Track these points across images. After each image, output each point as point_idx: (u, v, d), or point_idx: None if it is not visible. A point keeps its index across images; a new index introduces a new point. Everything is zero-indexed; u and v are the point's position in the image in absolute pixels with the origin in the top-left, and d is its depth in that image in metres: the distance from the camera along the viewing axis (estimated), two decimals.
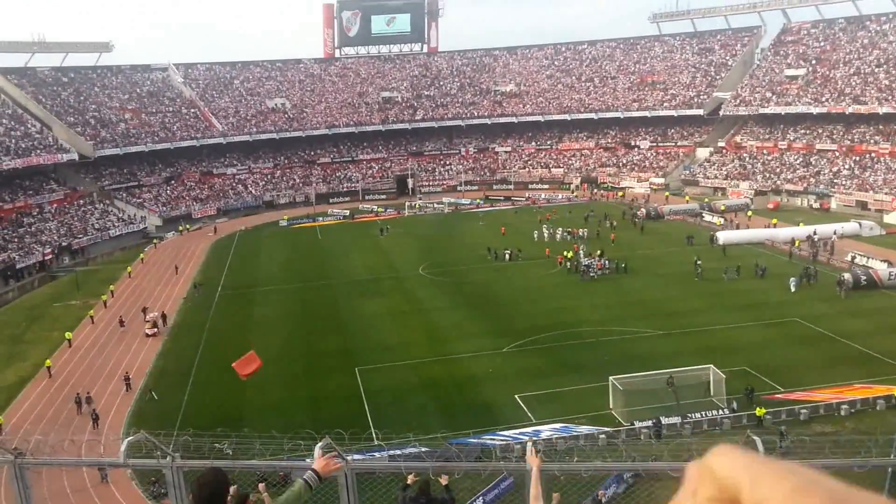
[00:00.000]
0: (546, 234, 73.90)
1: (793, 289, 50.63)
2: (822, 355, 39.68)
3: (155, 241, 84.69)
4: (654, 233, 73.97)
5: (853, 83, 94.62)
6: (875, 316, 45.23)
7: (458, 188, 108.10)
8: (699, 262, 56.74)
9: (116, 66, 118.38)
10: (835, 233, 64.79)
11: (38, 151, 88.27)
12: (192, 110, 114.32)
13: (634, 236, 72.65)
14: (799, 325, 44.25)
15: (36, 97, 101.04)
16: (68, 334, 50.28)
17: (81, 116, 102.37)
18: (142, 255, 76.37)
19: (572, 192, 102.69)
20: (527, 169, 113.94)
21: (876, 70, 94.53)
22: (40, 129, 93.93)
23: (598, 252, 62.82)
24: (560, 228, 74.68)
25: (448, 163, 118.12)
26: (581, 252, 62.90)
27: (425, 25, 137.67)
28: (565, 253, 62.76)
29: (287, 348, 46.23)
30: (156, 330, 50.61)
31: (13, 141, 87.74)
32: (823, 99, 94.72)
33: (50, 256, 75.11)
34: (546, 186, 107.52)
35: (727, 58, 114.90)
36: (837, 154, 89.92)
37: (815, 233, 64.65)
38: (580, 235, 73.00)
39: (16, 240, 75.61)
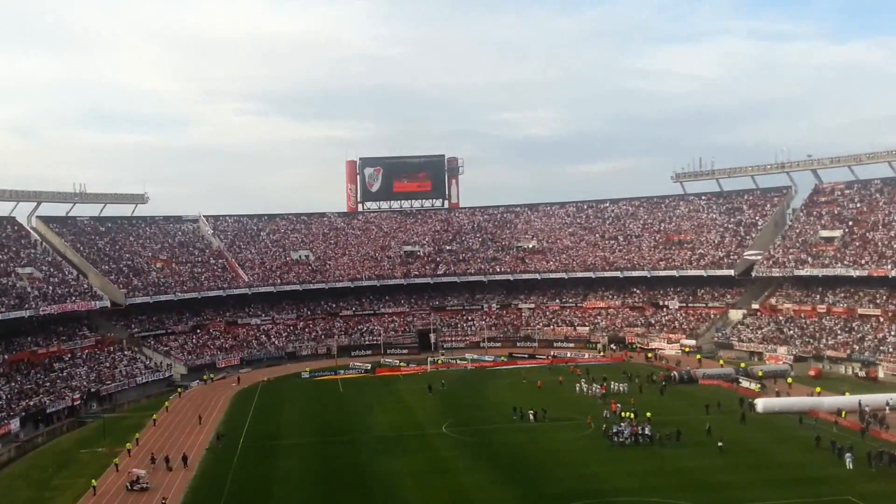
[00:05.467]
0: (585, 389, 74.32)
1: (849, 465, 46.44)
2: None
3: (179, 389, 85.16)
4: (686, 397, 71.57)
5: (895, 246, 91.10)
6: None
7: (482, 344, 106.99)
8: (720, 445, 52.56)
9: (150, 217, 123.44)
10: (887, 404, 61.08)
11: (74, 298, 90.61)
12: (220, 261, 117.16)
13: (655, 399, 70.34)
14: None
15: (74, 245, 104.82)
16: (94, 481, 49.54)
17: (116, 265, 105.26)
18: (167, 403, 76.73)
19: (600, 352, 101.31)
20: (551, 326, 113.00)
21: None
22: (76, 276, 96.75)
23: (632, 413, 60.42)
24: (595, 385, 75.06)
25: (471, 318, 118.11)
26: (616, 411, 62.00)
27: (445, 182, 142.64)
28: (619, 413, 61.86)
29: None
30: (140, 486, 49.24)
31: (51, 287, 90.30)
32: (863, 261, 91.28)
33: (79, 402, 75.94)
34: (571, 345, 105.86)
35: (756, 218, 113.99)
36: (882, 319, 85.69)
37: (861, 404, 60.64)
38: (618, 391, 72.69)
39: (47, 384, 76.85)
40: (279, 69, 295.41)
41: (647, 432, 55.60)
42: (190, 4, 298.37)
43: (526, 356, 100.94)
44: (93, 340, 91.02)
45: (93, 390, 79.57)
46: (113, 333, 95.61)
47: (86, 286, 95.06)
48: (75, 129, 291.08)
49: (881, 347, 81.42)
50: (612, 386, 75.23)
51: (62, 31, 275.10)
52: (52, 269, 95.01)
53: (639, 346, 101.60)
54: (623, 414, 60.83)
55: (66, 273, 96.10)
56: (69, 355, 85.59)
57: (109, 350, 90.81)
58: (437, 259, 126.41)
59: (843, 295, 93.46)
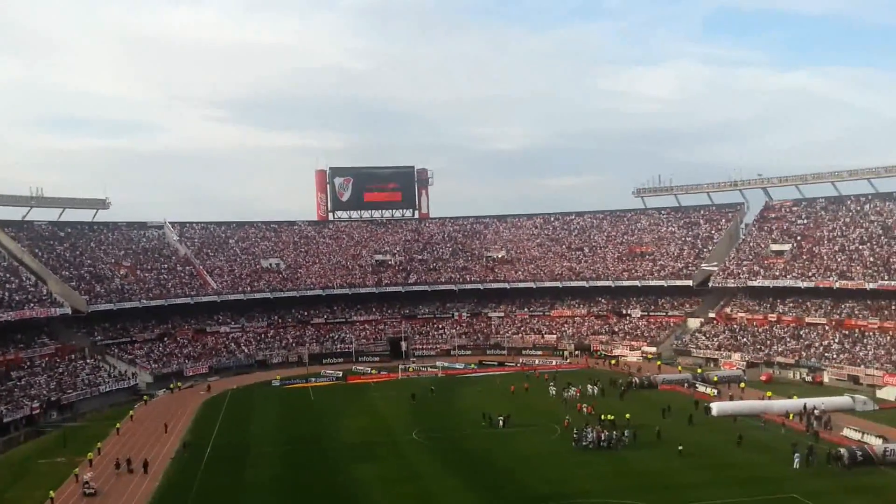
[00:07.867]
0: (555, 392, 76.66)
1: (796, 465, 49.06)
2: None
3: (145, 398, 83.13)
4: (645, 401, 73.19)
5: (838, 259, 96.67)
6: (876, 493, 43.90)
7: (452, 352, 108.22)
8: (680, 449, 53.88)
9: (113, 223, 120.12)
10: (814, 408, 63.71)
11: (32, 305, 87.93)
12: (187, 268, 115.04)
13: (614, 404, 71.67)
14: (797, 503, 42.66)
15: (32, 250, 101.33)
16: (51, 493, 48.25)
17: (76, 271, 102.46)
18: (131, 412, 74.95)
19: (566, 359, 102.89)
20: (520, 335, 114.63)
21: (860, 247, 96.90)
22: (35, 282, 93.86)
23: (602, 417, 62.14)
24: (572, 388, 76.15)
25: (441, 326, 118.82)
26: (583, 413, 64.05)
27: (416, 193, 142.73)
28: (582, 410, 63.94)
29: None
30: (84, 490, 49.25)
31: (7, 293, 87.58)
32: (810, 274, 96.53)
33: (38, 411, 73.61)
34: (540, 352, 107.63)
35: (712, 232, 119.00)
36: (827, 328, 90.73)
37: (805, 406, 64.25)
38: (592, 394, 75.22)
39: (4, 393, 74.17)
40: (248, 77, 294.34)
41: (625, 436, 56.92)
42: (158, 10, 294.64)
43: (495, 363, 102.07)
44: (52, 348, 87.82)
45: (53, 399, 76.80)
46: (74, 341, 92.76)
47: (45, 292, 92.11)
48: (33, 133, 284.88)
49: (826, 354, 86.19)
50: (586, 389, 77.04)
51: (21, 33, 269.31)
52: (7, 275, 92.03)
53: (602, 353, 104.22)
54: (603, 417, 62.48)
55: (24, 279, 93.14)
56: (27, 363, 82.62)
57: (70, 358, 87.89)
58: (408, 268, 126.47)
59: (791, 305, 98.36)
